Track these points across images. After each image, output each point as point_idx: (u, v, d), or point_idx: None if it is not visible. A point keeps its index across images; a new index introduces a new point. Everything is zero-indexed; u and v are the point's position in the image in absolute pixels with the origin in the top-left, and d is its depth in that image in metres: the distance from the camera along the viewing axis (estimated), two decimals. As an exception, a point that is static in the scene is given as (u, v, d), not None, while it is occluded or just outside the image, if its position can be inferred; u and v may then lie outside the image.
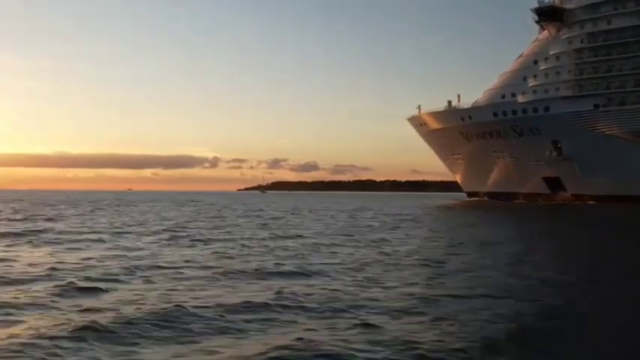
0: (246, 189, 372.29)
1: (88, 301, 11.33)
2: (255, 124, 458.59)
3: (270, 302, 11.28)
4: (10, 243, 23.02)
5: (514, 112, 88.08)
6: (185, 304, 10.84)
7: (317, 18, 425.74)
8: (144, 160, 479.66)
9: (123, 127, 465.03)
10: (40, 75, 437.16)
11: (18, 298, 11.61)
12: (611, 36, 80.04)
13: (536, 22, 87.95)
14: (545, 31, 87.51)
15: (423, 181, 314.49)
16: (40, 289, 12.63)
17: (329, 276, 15.07)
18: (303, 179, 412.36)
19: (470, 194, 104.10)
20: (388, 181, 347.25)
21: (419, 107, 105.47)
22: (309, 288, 13.05)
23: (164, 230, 31.18)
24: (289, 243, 24.26)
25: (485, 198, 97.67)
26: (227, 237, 27.25)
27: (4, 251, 20.20)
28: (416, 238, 28.07)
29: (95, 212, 53.71)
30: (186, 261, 17.83)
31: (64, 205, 74.13)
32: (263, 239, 25.97)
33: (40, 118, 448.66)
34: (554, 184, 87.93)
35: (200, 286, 13.38)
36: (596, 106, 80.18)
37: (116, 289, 12.84)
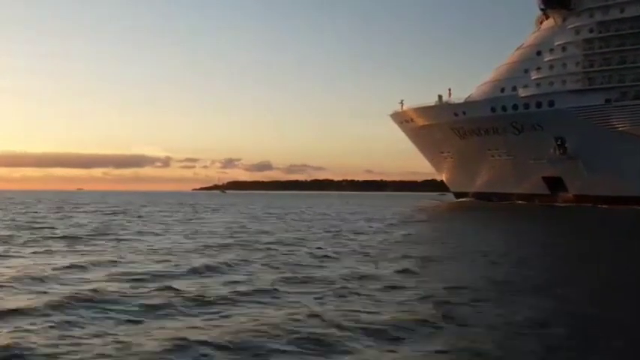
0: (202, 189, 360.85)
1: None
2: (207, 123, 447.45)
3: None
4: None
5: (515, 106, 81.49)
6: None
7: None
8: (94, 159, 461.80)
9: (71, 126, 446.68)
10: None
11: None
12: (624, 25, 74.26)
13: (541, 9, 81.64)
14: (549, 20, 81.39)
15: (381, 181, 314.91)
16: None
17: None
18: (258, 179, 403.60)
19: (458, 195, 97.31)
20: (346, 180, 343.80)
21: (401, 102, 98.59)
22: None
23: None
24: None
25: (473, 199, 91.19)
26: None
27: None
28: None
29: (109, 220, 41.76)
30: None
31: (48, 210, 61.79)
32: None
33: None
34: (554, 184, 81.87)
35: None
36: (607, 100, 74.29)
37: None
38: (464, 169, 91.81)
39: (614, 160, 73.52)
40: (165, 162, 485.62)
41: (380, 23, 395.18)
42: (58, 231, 29.91)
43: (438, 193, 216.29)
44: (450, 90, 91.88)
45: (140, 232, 29.73)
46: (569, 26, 78.59)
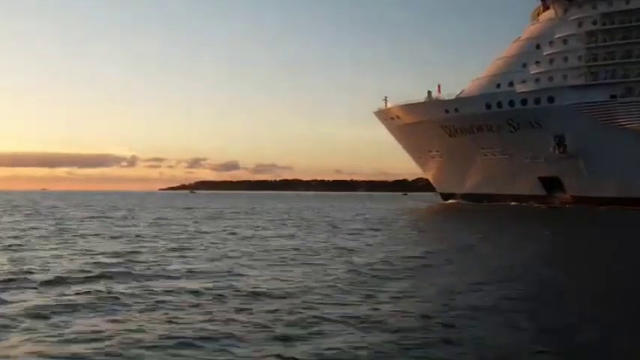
0: (169, 189, 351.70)
1: None
2: (173, 123, 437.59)
3: None
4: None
5: (511, 103, 77.07)
6: None
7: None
8: (57, 158, 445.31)
9: (34, 124, 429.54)
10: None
11: None
12: (630, 17, 70.65)
13: (541, 0, 77.63)
14: (549, 12, 77.29)
15: (352, 181, 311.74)
16: None
17: None
18: (225, 179, 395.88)
19: (446, 196, 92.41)
20: (315, 180, 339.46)
21: (385, 99, 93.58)
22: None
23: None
24: None
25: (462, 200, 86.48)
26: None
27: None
28: None
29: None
30: None
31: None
32: None
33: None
34: (551, 184, 77.71)
35: None
36: (613, 96, 70.42)
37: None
38: (453, 168, 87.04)
39: (619, 159, 69.69)
40: (131, 162, 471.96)
41: (355, 18, 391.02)
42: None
43: (401, 193, 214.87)
44: (439, 86, 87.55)
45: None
46: (571, 18, 74.63)
